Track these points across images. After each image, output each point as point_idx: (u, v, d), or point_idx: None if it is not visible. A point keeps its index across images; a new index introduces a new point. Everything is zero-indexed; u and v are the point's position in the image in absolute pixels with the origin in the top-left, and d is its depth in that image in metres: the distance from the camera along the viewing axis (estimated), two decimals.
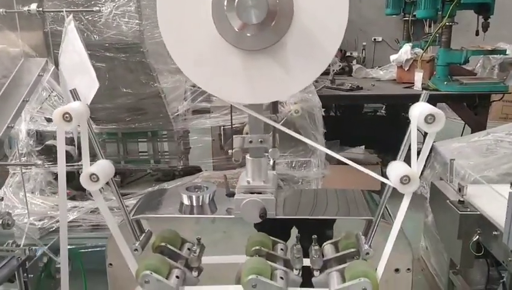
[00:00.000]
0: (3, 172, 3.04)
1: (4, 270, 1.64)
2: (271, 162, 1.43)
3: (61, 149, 1.24)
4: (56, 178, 2.82)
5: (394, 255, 1.24)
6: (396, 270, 1.39)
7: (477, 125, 4.19)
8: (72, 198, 3.04)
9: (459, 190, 2.12)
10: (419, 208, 3.08)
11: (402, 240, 1.35)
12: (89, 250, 2.69)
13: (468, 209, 1.97)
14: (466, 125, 4.65)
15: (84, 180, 1.21)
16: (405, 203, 1.17)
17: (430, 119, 1.08)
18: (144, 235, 1.41)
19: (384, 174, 1.22)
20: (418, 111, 1.10)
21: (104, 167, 1.26)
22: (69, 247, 2.20)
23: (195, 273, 1.36)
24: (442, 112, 1.08)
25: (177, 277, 1.32)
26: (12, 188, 2.99)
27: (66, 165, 2.31)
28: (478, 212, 1.94)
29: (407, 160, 1.17)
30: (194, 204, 1.51)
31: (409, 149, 1.18)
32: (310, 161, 3.03)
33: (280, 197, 1.47)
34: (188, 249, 1.47)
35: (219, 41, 1.10)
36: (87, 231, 2.91)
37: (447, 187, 2.25)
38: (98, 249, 2.61)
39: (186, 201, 1.52)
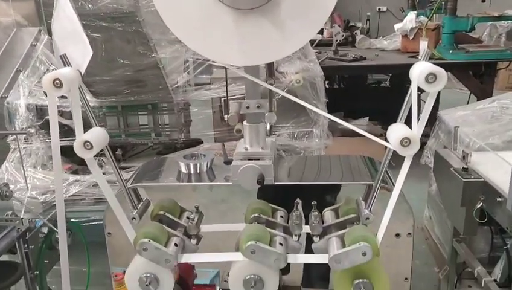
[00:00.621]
0: (4, 147, 3.04)
1: (4, 241, 1.65)
2: (268, 127, 1.40)
3: (53, 116, 1.21)
4: None
5: (395, 220, 1.21)
6: (397, 235, 1.38)
7: (483, 94, 4.13)
8: (74, 172, 3.05)
9: (463, 157, 2.09)
10: (423, 179, 3.05)
11: (403, 205, 1.33)
12: (92, 223, 2.70)
13: (472, 177, 1.94)
14: (472, 95, 4.59)
15: (77, 148, 1.19)
16: (405, 166, 1.14)
17: (431, 78, 1.03)
18: (141, 203, 1.40)
19: None
20: (419, 70, 1.05)
21: (98, 135, 1.23)
22: (72, 220, 2.20)
23: (194, 241, 1.35)
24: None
25: (175, 244, 1.31)
26: (14, 163, 2.99)
27: (68, 139, 2.31)
28: (482, 179, 1.92)
29: (409, 124, 1.13)
30: (192, 172, 1.50)
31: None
32: (312, 132, 3.00)
33: (279, 164, 1.45)
34: (187, 217, 1.45)
35: (211, 1, 1.06)
36: (90, 205, 2.92)
37: (451, 155, 2.22)
38: (101, 222, 2.62)
39: (184, 169, 1.50)
